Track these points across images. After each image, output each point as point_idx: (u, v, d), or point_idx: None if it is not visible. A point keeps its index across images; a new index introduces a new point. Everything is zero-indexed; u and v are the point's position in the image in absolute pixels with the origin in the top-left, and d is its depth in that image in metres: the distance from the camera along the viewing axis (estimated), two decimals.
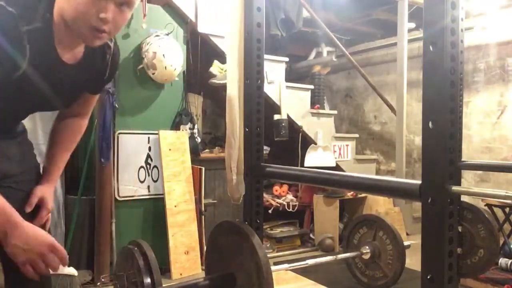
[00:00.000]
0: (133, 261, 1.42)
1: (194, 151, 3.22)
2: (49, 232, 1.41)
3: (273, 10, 3.83)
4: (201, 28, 3.27)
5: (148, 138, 3.07)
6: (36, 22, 1.03)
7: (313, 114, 3.97)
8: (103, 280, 2.71)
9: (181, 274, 2.94)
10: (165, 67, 2.95)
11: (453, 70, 0.99)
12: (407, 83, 4.04)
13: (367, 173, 3.95)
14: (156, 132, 3.06)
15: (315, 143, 3.92)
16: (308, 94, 3.99)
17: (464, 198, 2.42)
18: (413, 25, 4.13)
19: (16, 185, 1.29)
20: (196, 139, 3.26)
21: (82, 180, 2.88)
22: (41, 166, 1.42)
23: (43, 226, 1.37)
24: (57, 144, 1.40)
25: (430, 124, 1.00)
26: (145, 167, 3.06)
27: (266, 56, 1.77)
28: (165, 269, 2.89)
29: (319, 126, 3.98)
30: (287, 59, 3.88)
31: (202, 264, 3.02)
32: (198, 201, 3.15)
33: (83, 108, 1.40)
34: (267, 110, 1.79)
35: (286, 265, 2.25)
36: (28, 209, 1.29)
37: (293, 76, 4.72)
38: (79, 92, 1.32)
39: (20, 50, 1.02)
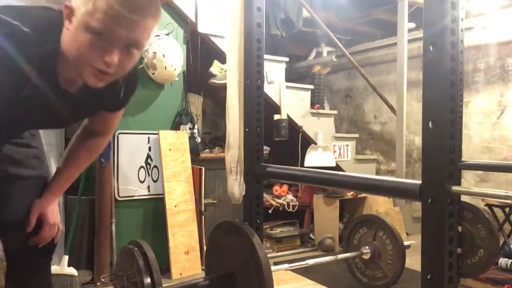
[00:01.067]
0: (133, 261, 1.42)
1: (194, 151, 3.22)
2: (53, 245, 1.39)
3: (273, 10, 3.83)
4: (201, 28, 3.27)
5: (148, 138, 3.07)
6: (46, 46, 1.02)
7: (313, 114, 3.96)
8: (103, 280, 2.71)
9: (181, 274, 2.94)
10: (165, 67, 2.95)
11: (453, 70, 0.99)
12: (407, 83, 4.04)
13: (367, 173, 3.95)
14: (156, 132, 3.06)
15: (315, 143, 3.92)
16: (308, 94, 3.98)
17: (464, 198, 2.42)
18: (413, 25, 4.13)
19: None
20: (196, 139, 3.26)
21: (82, 180, 2.87)
22: None
23: (52, 240, 1.36)
24: (71, 159, 1.39)
25: (430, 124, 1.00)
26: (145, 167, 3.06)
27: (266, 56, 1.77)
28: (165, 269, 2.88)
29: (319, 126, 3.98)
30: (287, 59, 3.87)
31: (202, 264, 3.02)
32: (198, 201, 3.15)
33: (102, 126, 1.37)
34: (267, 110, 1.79)
35: (286, 265, 2.25)
36: (29, 229, 1.29)
37: (293, 76, 4.72)
38: (84, 115, 1.30)
39: (26, 69, 1.01)
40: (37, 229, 1.31)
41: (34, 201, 1.32)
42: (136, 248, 1.45)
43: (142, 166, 3.05)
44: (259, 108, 1.67)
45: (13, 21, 0.97)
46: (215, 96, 4.25)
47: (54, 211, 1.35)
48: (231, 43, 1.68)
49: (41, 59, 1.02)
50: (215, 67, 3.44)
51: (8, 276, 1.42)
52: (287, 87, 3.76)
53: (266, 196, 3.77)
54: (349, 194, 3.84)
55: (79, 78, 1.07)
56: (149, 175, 3.07)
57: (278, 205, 3.83)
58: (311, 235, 3.92)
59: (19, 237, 1.31)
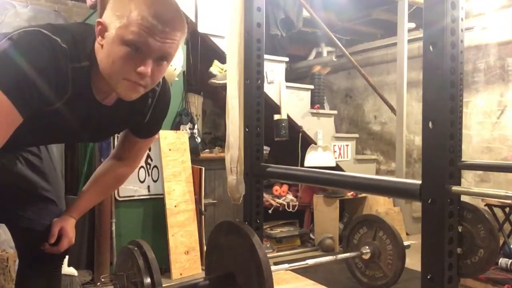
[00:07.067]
0: (133, 261, 1.42)
1: (194, 151, 3.22)
2: (66, 252, 1.41)
3: (273, 10, 3.83)
4: (201, 28, 3.27)
5: None
6: (83, 61, 1.06)
7: (313, 114, 3.96)
8: (103, 280, 2.70)
9: (181, 274, 2.94)
10: None
11: (453, 70, 0.98)
12: (407, 83, 4.04)
13: (367, 173, 3.95)
14: None
15: (315, 143, 3.92)
16: (308, 94, 3.98)
17: (464, 198, 2.42)
18: (413, 25, 4.13)
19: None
20: (196, 139, 3.26)
21: (82, 180, 2.87)
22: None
23: (64, 253, 1.40)
24: (97, 185, 1.42)
25: (430, 124, 1.00)
26: (145, 167, 3.06)
27: (266, 56, 1.77)
28: (165, 269, 2.89)
29: (319, 126, 3.98)
30: (287, 59, 3.87)
31: (202, 264, 3.02)
32: (198, 201, 3.15)
33: (128, 151, 1.40)
34: (267, 110, 1.79)
35: (286, 265, 2.25)
36: (52, 240, 1.32)
37: (293, 76, 4.72)
38: (111, 132, 1.37)
39: (64, 84, 1.04)
40: (56, 240, 1.34)
41: (54, 219, 1.36)
42: (136, 248, 1.45)
43: (142, 166, 3.04)
44: (259, 108, 1.67)
45: (53, 36, 1.02)
46: (215, 96, 4.25)
47: (72, 226, 1.39)
48: (231, 43, 1.68)
49: (78, 72, 1.05)
50: (215, 67, 3.44)
51: (19, 278, 1.44)
52: (287, 87, 3.76)
53: (266, 196, 3.77)
54: (349, 194, 3.84)
55: (112, 91, 1.13)
56: (149, 175, 3.06)
57: (278, 205, 3.83)
58: (311, 235, 3.92)
59: (33, 241, 1.35)
